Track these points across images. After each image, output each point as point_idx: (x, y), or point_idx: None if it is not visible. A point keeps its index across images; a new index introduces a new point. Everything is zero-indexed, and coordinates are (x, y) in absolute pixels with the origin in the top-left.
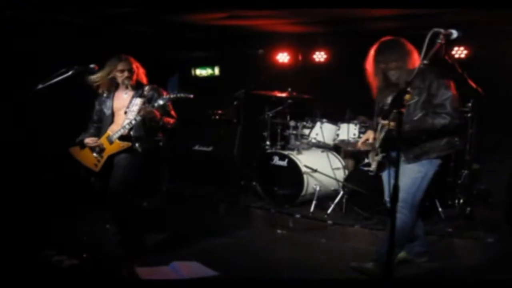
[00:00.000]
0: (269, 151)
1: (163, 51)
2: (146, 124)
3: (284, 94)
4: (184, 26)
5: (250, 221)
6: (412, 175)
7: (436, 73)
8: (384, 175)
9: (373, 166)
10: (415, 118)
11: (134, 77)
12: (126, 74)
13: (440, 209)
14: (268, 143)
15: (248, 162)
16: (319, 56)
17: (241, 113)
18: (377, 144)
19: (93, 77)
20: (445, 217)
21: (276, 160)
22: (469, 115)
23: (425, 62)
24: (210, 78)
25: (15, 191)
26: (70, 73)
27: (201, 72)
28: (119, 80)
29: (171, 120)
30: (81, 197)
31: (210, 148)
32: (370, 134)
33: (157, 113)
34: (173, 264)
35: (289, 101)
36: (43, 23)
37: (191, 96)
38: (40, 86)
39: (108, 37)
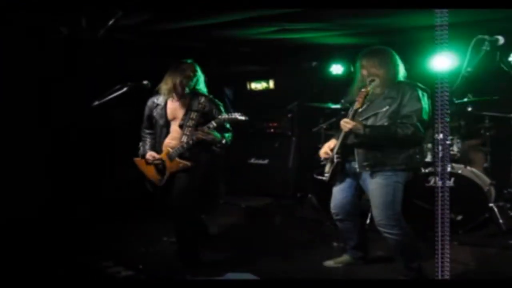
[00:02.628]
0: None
1: (217, 65)
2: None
3: (337, 106)
4: (238, 41)
5: (305, 233)
6: (381, 191)
7: (413, 85)
8: (336, 187)
9: (327, 175)
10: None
11: (194, 83)
12: (188, 80)
13: (500, 221)
14: None
15: (303, 174)
16: None
17: (295, 126)
18: (334, 150)
19: (163, 88)
20: (507, 229)
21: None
22: None
23: (469, 69)
24: (265, 91)
25: (74, 203)
26: (124, 89)
27: (256, 85)
28: (181, 85)
29: (229, 138)
30: (139, 209)
31: (265, 161)
32: (332, 143)
33: (215, 136)
34: (227, 275)
35: (343, 112)
36: (98, 41)
37: (245, 118)
38: (96, 102)
39: (162, 53)
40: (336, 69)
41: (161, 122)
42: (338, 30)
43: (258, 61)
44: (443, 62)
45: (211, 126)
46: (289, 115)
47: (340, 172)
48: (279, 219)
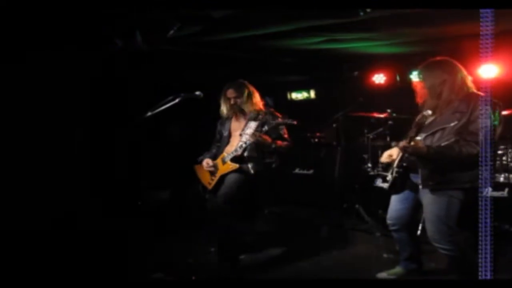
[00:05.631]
0: (371, 173)
1: (258, 75)
2: (259, 147)
3: (383, 115)
4: (280, 51)
5: (354, 244)
6: (434, 206)
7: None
8: (394, 197)
9: (387, 184)
10: (444, 143)
11: (241, 103)
12: (231, 101)
13: None
14: (369, 165)
15: (349, 184)
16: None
17: (341, 136)
18: (395, 163)
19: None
20: None
21: (379, 183)
22: None
23: None
24: (306, 101)
25: (123, 214)
26: (177, 100)
27: (297, 95)
28: (233, 109)
29: (284, 143)
30: (187, 219)
31: (310, 171)
32: (394, 151)
33: (268, 138)
34: None
35: (390, 122)
36: (148, 53)
37: (295, 122)
38: (149, 113)
39: (205, 63)
40: (379, 78)
41: (225, 134)
42: (385, 40)
43: (299, 71)
44: (489, 71)
45: (263, 130)
46: (334, 125)
47: (400, 184)
48: (326, 230)
